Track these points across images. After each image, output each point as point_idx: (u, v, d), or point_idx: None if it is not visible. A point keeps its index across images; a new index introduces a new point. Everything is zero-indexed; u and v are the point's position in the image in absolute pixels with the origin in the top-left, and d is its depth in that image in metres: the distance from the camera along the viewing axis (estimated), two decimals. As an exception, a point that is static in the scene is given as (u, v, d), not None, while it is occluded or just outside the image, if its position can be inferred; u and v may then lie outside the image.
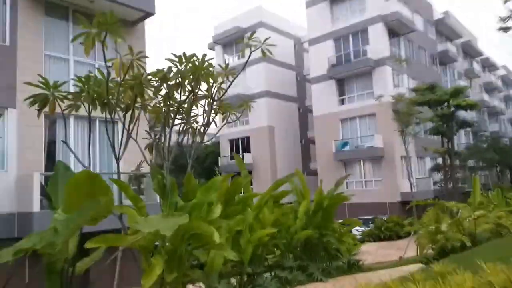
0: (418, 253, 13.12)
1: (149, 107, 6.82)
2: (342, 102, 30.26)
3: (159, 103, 6.73)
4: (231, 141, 35.95)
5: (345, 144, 28.42)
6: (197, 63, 5.82)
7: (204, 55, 5.96)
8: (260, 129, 33.78)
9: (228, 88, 6.78)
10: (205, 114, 7.09)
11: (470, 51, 43.43)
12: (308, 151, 36.81)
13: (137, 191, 10.90)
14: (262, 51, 6.53)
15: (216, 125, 8.53)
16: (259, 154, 33.43)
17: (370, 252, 16.88)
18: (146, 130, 7.49)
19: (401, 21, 28.40)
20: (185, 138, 7.20)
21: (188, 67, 5.74)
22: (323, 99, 30.52)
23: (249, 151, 34.19)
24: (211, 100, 6.76)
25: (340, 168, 28.64)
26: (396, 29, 29.45)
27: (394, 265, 12.65)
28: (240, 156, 34.32)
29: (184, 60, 5.80)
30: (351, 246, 10.12)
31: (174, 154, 6.82)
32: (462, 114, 23.10)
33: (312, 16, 31.85)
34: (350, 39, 29.78)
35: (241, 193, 7.43)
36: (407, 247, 15.60)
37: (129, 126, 6.16)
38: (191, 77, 5.83)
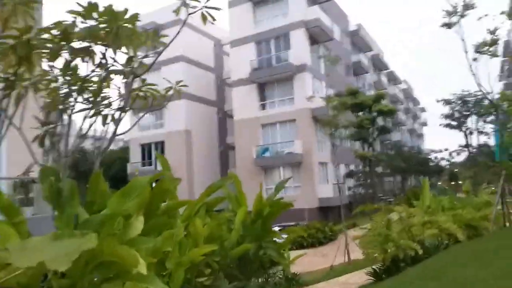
0: (365, 261, 12.61)
1: (41, 85, 4.92)
2: (263, 107, 29.68)
3: (56, 78, 4.88)
4: (143, 146, 33.22)
5: (266, 150, 27.78)
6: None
7: (126, 10, 4.30)
8: (177, 133, 31.72)
9: (156, 58, 5.17)
10: (121, 96, 5.39)
11: (378, 64, 46.40)
12: (227, 158, 35.61)
13: (24, 202, 8.52)
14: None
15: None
16: (175, 160, 31.23)
17: (295, 261, 16.08)
18: (36, 117, 5.49)
19: (321, 29, 28.81)
20: (91, 129, 5.38)
21: (103, 19, 4.03)
22: (244, 103, 29.62)
23: (164, 156, 31.82)
24: (132, 76, 5.09)
25: (260, 174, 27.88)
26: (316, 36, 29.83)
27: (329, 276, 11.92)
28: (153, 163, 31.84)
29: (95, 12, 4.07)
30: (289, 257, 9.01)
31: (75, 148, 5.00)
32: (379, 121, 23.97)
33: (235, 17, 30.92)
34: (273, 43, 29.43)
35: (165, 201, 5.85)
36: (336, 254, 15.15)
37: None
38: (107, 35, 4.12)
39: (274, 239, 7.68)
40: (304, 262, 18.37)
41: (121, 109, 5.25)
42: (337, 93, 23.79)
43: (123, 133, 6.17)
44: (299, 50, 28.19)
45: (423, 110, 74.07)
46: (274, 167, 28.01)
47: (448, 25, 10.38)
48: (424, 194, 8.17)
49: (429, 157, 45.00)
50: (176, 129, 31.66)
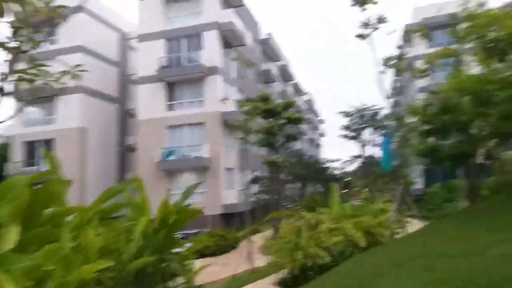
0: (268, 269, 12.30)
1: None
2: (170, 107, 28.40)
3: None
4: (28, 143, 29.40)
5: (171, 153, 26.54)
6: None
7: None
8: (69, 131, 28.70)
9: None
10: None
11: (285, 75, 48.08)
12: (125, 160, 33.34)
13: None
14: None
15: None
16: (66, 161, 28.08)
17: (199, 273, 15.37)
18: None
19: (234, 32, 28.69)
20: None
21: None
22: (149, 102, 28.01)
23: (54, 155, 28.51)
24: (17, 51, 4.03)
25: (163, 179, 26.51)
26: (229, 40, 29.60)
27: (231, 286, 11.45)
28: (39, 164, 28.36)
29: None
30: (193, 269, 8.32)
31: None
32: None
33: (145, 10, 29.20)
34: (184, 41, 28.43)
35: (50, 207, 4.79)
36: (239, 262, 14.78)
37: None
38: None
39: (179, 249, 6.97)
40: (206, 271, 17.67)
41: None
42: (248, 98, 23.81)
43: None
44: (211, 51, 27.66)
45: (321, 121, 78.99)
46: (179, 171, 26.90)
47: (362, 36, 10.79)
48: (333, 200, 8.19)
49: (327, 166, 47.77)
50: (70, 126, 28.65)
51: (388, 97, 43.98)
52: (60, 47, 28.48)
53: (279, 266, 7.36)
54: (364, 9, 10.72)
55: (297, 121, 17.88)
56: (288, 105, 17.82)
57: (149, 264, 6.32)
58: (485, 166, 12.76)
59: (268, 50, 41.43)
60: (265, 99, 17.70)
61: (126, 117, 34.06)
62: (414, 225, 13.02)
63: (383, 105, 35.17)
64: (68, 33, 27.97)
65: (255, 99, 17.71)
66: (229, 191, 26.54)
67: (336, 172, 49.78)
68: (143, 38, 28.90)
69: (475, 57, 10.12)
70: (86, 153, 29.06)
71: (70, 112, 28.60)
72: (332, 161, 49.83)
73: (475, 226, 5.90)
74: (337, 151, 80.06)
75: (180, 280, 7.39)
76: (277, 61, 45.40)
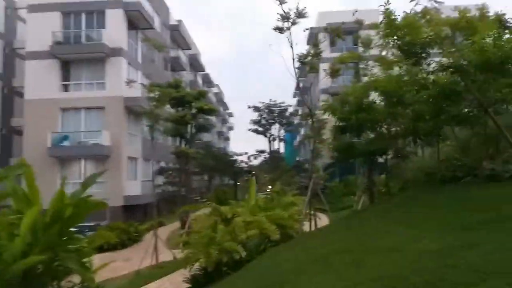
0: (174, 264, 11.47)
1: None
2: (65, 88, 25.53)
3: None
4: None
5: (64, 138, 23.85)
6: None
7: None
8: None
9: None
10: None
11: (195, 64, 46.83)
12: (10, 144, 29.26)
13: None
14: None
15: None
16: None
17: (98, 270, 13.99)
18: None
19: (141, 14, 26.81)
20: None
21: None
22: (40, 80, 24.77)
23: None
24: None
25: (55, 166, 23.77)
26: (135, 21, 27.58)
27: (135, 283, 10.48)
28: None
29: None
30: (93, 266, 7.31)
31: None
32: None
33: (36, -23, 25.72)
34: (83, 17, 25.71)
35: None
36: (144, 256, 13.76)
37: None
38: None
39: (76, 246, 5.98)
40: (106, 268, 16.30)
41: None
42: (156, 84, 22.35)
43: None
44: (115, 31, 25.45)
45: (230, 115, 79.31)
46: (74, 159, 24.35)
47: (280, 30, 10.62)
48: (251, 193, 7.86)
49: (234, 159, 48.09)
50: None
51: (294, 96, 45.58)
52: None
53: (189, 262, 6.78)
54: (284, 2, 10.59)
55: (209, 112, 17.22)
56: (200, 94, 17.09)
57: (38, 264, 5.31)
58: (387, 163, 13.72)
59: (178, 37, 39.85)
60: (176, 86, 16.70)
61: (11, 95, 29.85)
62: (321, 218, 13.48)
63: (290, 103, 36.38)
64: None
65: (165, 85, 16.58)
66: (132, 182, 24.89)
67: (243, 165, 50.61)
68: (34, 8, 25.45)
69: (380, 61, 10.67)
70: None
71: None
72: (239, 154, 50.54)
73: (391, 221, 6.02)
74: (244, 145, 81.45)
75: (76, 279, 6.42)
76: (187, 49, 44.00)
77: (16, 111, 29.23)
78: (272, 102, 27.43)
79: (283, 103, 28.88)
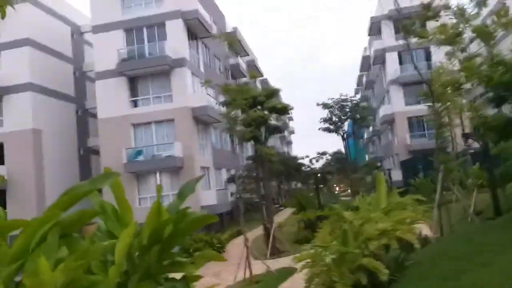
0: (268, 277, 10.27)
1: None
2: (135, 104, 25.75)
3: None
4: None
5: (139, 153, 23.94)
6: None
7: None
8: (21, 133, 25.37)
9: None
10: None
11: (253, 70, 46.13)
12: (88, 163, 30.26)
13: None
14: None
15: None
16: (19, 166, 24.93)
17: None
18: None
19: (200, 22, 26.42)
20: None
21: None
22: (111, 99, 25.21)
23: (2, 163, 25.14)
24: None
25: (132, 181, 23.90)
26: (194, 30, 27.33)
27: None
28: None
29: None
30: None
31: None
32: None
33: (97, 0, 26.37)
34: (145, 32, 25.85)
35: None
36: (230, 270, 12.73)
37: None
38: None
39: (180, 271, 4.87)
40: (196, 284, 15.35)
41: None
42: (226, 85, 21.57)
43: None
44: (176, 42, 25.26)
45: (290, 118, 77.86)
46: (149, 172, 24.34)
47: None
48: (380, 193, 6.31)
49: (301, 162, 46.55)
50: (21, 128, 25.31)
51: (357, 92, 42.88)
52: (2, 41, 25.29)
53: (316, 284, 5.39)
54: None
55: (283, 110, 15.96)
56: (272, 93, 15.89)
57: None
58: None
59: (236, 45, 39.35)
60: (245, 89, 15.70)
61: (86, 117, 30.96)
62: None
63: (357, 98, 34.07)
64: (13, 26, 24.77)
65: (232, 89, 15.64)
66: (207, 192, 24.31)
67: (312, 168, 48.92)
68: (98, 29, 26.05)
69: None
70: (42, 157, 25.82)
71: (21, 113, 25.32)
72: (300, 158, 48.93)
73: None
74: (305, 148, 79.82)
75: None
76: (244, 55, 43.44)
77: (91, 131, 30.20)
78: (343, 97, 25.58)
79: (354, 97, 26.90)
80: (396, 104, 37.38)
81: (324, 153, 52.89)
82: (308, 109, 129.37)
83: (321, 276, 5.01)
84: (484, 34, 10.99)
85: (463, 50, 12.01)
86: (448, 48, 12.29)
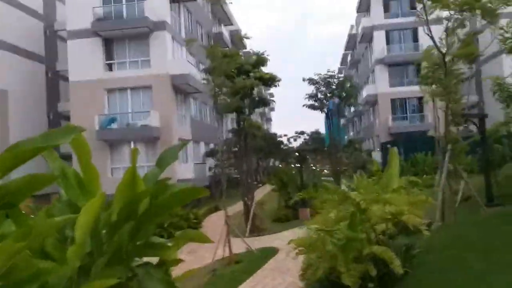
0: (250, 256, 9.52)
1: None
2: (109, 67, 24.11)
3: None
4: None
5: (112, 120, 22.53)
6: None
7: None
8: (-16, 93, 23.43)
9: None
10: None
11: (236, 41, 44.54)
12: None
13: None
14: None
15: None
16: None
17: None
18: None
19: (184, -17, 24.78)
20: None
21: None
22: (84, 61, 23.44)
23: (-39, 123, 23.25)
24: None
25: (104, 150, 22.57)
26: (177, -7, 25.66)
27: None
28: None
29: None
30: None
31: None
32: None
33: (73, -49, 24.17)
34: (124, -10, 24.00)
35: None
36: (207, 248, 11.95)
37: None
38: None
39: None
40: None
41: None
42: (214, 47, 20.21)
43: None
44: (157, 3, 23.54)
45: (271, 95, 76.79)
46: (123, 141, 23.04)
47: None
48: (392, 170, 5.57)
49: (281, 140, 45.96)
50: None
51: (340, 72, 42.31)
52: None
53: (316, 273, 4.61)
54: None
55: (270, 81, 14.94)
56: (260, 61, 14.86)
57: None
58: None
59: (219, 12, 37.69)
60: (230, 56, 14.55)
61: (57, 80, 29.00)
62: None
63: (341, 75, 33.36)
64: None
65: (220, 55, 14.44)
66: (184, 165, 23.32)
67: (287, 147, 48.48)
68: (73, -17, 24.00)
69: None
70: (7, 119, 24.02)
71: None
72: (280, 136, 48.35)
73: None
74: (278, 127, 79.25)
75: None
76: (229, 25, 41.80)
77: (62, 95, 28.39)
78: (330, 73, 24.79)
79: (341, 74, 26.09)
80: (380, 84, 36.96)
81: (302, 133, 52.49)
82: (286, 88, 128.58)
83: (322, 264, 4.25)
84: (487, 11, 10.31)
85: (463, 26, 11.35)
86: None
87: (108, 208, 3.36)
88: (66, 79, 26.04)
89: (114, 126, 22.32)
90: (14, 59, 25.10)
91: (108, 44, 24.07)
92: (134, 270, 3.36)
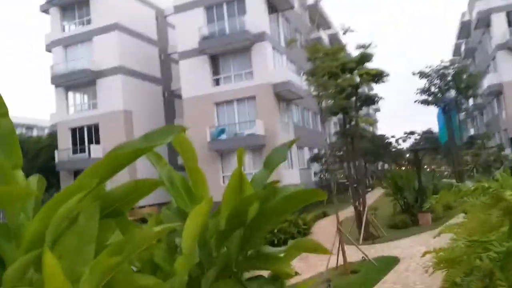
0: (363, 266, 8.97)
1: None
2: (217, 82, 25.50)
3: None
4: (73, 130, 27.83)
5: (221, 131, 23.71)
6: None
7: None
8: (114, 114, 26.68)
9: None
10: None
11: (336, 44, 43.60)
12: (175, 144, 31.09)
13: None
14: None
15: None
16: (112, 145, 26.21)
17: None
18: None
19: (280, -7, 25.09)
20: None
21: None
22: (194, 78, 25.23)
23: (98, 142, 26.75)
24: None
25: (216, 160, 23.84)
26: (274, 3, 26.04)
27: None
28: (86, 149, 26.76)
29: None
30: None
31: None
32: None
33: (178, -20, 26.32)
34: (225, 7, 25.23)
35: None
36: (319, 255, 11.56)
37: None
38: None
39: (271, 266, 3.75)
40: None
41: None
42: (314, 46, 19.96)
43: None
44: (256, 16, 24.24)
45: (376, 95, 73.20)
46: (232, 151, 24.05)
47: None
48: None
49: (389, 141, 43.42)
50: (113, 109, 26.61)
51: (454, 62, 38.34)
52: (94, 27, 26.56)
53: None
54: None
55: (378, 77, 13.95)
56: (364, 58, 14.04)
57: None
58: None
59: (317, 17, 37.28)
60: (333, 53, 14.06)
61: (172, 98, 31.73)
62: None
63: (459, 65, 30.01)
64: (101, 12, 25.90)
65: (322, 55, 14.09)
66: (289, 171, 23.37)
67: (398, 148, 45.49)
68: (179, 9, 26.09)
69: None
70: (133, 137, 26.97)
71: (113, 95, 26.60)
72: (388, 137, 45.55)
73: None
74: (391, 128, 74.77)
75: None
76: (327, 29, 41.11)
77: (177, 112, 30.88)
78: (444, 64, 22.45)
79: (454, 65, 23.43)
80: (504, 72, 32.44)
81: (412, 133, 48.85)
82: (392, 87, 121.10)
83: (474, 284, 3.54)
84: None
85: None
86: None
87: (215, 215, 3.22)
88: (180, 97, 28.31)
89: (223, 137, 23.44)
90: (135, 83, 28.15)
91: (214, 60, 25.50)
92: (246, 284, 3.10)
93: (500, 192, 3.69)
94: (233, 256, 3.08)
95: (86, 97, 28.70)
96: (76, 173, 25.55)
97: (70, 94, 28.84)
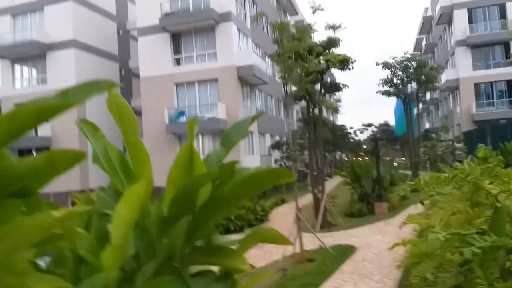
0: (321, 254, 8.65)
1: None
2: (178, 62, 24.45)
3: None
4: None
5: (181, 113, 22.82)
6: None
7: None
8: (65, 91, 24.93)
9: None
10: None
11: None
12: (131, 125, 29.73)
13: None
14: None
15: None
16: (62, 125, 24.70)
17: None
18: None
19: (247, -27, 24.29)
20: None
21: None
22: (153, 56, 24.04)
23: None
24: None
25: (174, 143, 22.98)
26: (241, -17, 25.26)
27: None
28: (34, 130, 24.95)
29: None
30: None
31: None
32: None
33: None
34: (190, -16, 24.13)
35: None
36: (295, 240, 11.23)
37: None
38: None
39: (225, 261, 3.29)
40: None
41: None
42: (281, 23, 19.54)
43: None
44: (222, -5, 23.36)
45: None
46: (190, 135, 23.28)
47: None
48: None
49: (348, 132, 44.10)
50: (64, 85, 24.65)
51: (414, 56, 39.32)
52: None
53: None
54: None
55: (344, 63, 13.69)
56: (332, 42, 13.73)
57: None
58: None
59: (284, 2, 36.72)
60: (298, 39, 13.64)
61: (130, 77, 30.23)
62: None
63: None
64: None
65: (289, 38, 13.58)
66: (250, 157, 22.98)
67: (355, 139, 46.46)
68: (141, -19, 24.62)
69: None
70: (85, 116, 25.45)
71: (64, 71, 24.84)
72: (347, 128, 46.43)
73: None
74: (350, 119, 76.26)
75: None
76: (294, 15, 40.72)
77: (135, 92, 29.50)
78: (407, 55, 22.71)
79: (420, 55, 23.86)
80: (462, 68, 33.61)
81: (369, 125, 50.09)
82: (351, 79, 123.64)
83: (448, 280, 3.21)
84: None
85: None
86: None
87: (159, 199, 2.55)
88: (138, 76, 26.97)
89: (182, 119, 22.58)
90: (89, 58, 26.48)
91: (176, 39, 24.39)
92: (190, 282, 2.49)
93: (479, 181, 3.39)
94: (177, 248, 2.48)
95: (34, 71, 26.68)
96: (22, 152, 23.81)
97: (17, 67, 26.72)
